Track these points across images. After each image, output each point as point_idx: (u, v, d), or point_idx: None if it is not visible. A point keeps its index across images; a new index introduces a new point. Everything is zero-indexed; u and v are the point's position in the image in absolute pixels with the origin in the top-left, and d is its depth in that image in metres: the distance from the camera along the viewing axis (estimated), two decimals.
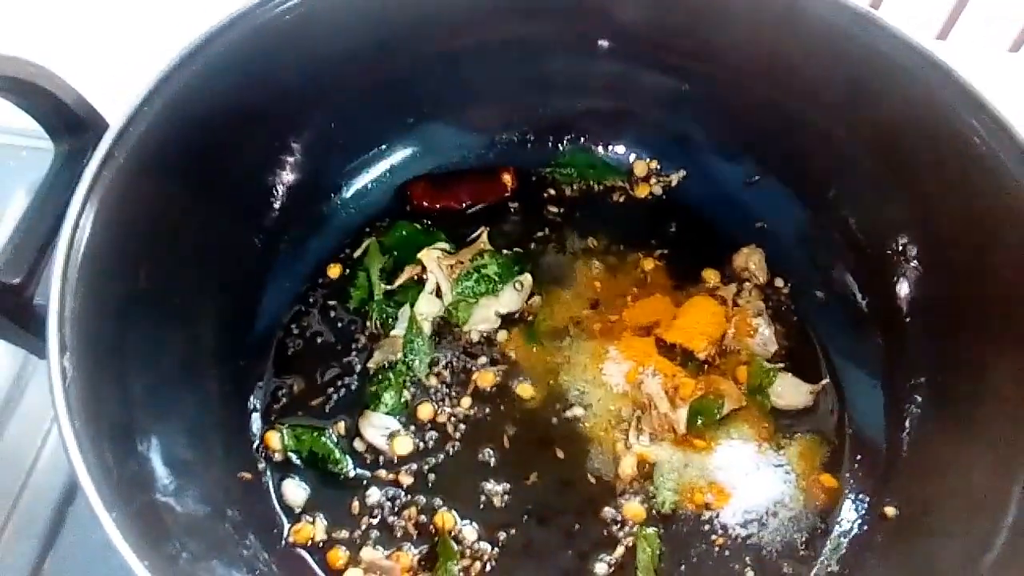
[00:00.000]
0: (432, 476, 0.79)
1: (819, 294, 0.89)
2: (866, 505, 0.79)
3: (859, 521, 0.79)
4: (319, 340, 0.85)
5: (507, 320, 0.87)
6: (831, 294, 0.89)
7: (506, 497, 0.78)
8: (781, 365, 0.85)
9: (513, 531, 0.77)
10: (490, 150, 0.97)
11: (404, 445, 0.80)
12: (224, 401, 0.78)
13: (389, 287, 0.87)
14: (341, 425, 0.81)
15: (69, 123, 0.65)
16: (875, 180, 0.81)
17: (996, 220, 0.71)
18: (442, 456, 0.80)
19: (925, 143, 0.75)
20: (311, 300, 0.87)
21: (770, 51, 0.80)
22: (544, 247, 0.92)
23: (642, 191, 0.96)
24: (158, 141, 0.66)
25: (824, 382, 0.85)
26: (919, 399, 0.80)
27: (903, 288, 0.83)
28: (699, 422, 0.81)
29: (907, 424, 0.80)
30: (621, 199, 0.96)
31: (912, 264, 0.81)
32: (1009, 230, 0.70)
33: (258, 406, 0.81)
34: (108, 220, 0.62)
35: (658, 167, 0.97)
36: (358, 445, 0.80)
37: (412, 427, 0.81)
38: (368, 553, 0.75)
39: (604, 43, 0.87)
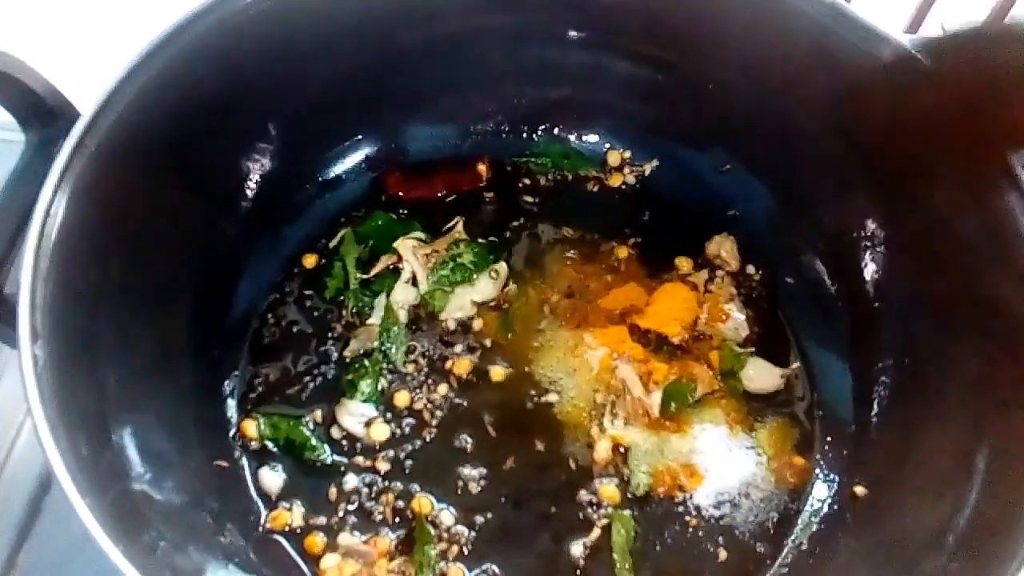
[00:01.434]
0: (409, 462, 0.79)
1: (790, 280, 0.91)
2: (836, 485, 0.81)
3: (829, 501, 0.80)
4: (295, 329, 0.85)
5: (483, 308, 0.88)
6: (801, 280, 0.90)
7: (483, 482, 0.79)
8: (752, 350, 0.86)
9: (490, 515, 0.77)
10: (465, 140, 0.97)
11: (381, 432, 0.80)
12: (199, 390, 0.78)
13: (365, 276, 0.88)
14: (318, 413, 0.81)
15: (40, 112, 0.65)
16: (842, 167, 0.83)
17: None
18: (419, 442, 0.80)
19: (891, 130, 0.76)
20: (287, 290, 0.87)
21: (740, 41, 0.80)
22: (519, 236, 0.93)
23: (616, 180, 0.97)
24: (130, 130, 0.66)
25: (795, 366, 0.86)
26: (887, 381, 0.82)
27: (871, 273, 0.84)
28: (672, 406, 0.82)
29: (875, 406, 0.82)
30: (595, 189, 0.97)
31: (879, 249, 0.83)
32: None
33: (234, 395, 0.81)
34: (80, 209, 0.62)
35: (631, 157, 0.97)
36: (335, 432, 0.80)
37: (389, 414, 0.81)
38: (346, 538, 0.75)
39: (577, 33, 0.87)
